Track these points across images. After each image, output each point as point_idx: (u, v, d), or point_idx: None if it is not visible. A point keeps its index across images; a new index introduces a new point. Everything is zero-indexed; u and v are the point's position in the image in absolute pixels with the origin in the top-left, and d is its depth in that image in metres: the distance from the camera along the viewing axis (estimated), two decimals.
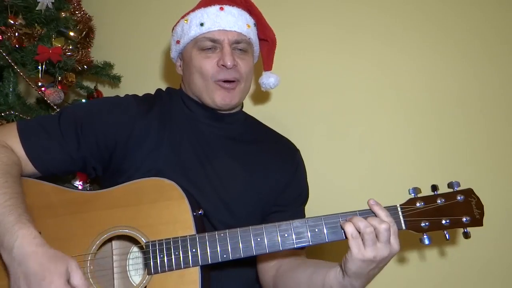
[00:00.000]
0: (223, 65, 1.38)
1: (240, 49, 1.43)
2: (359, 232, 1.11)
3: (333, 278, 1.21)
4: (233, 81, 1.41)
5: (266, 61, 1.56)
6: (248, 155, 1.46)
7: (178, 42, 1.48)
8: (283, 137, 1.60)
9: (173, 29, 1.54)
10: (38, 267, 1.03)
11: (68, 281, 1.04)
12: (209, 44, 1.40)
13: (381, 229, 1.09)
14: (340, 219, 1.16)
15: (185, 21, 1.45)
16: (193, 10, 1.46)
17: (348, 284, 1.17)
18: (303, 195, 1.54)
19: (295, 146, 1.58)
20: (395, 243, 1.12)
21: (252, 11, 1.49)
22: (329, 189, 1.92)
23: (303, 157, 1.57)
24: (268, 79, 1.56)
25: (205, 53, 1.40)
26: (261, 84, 1.59)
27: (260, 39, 1.54)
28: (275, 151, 1.51)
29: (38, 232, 1.08)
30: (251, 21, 1.48)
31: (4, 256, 1.07)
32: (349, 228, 1.11)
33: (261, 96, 2.02)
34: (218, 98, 1.41)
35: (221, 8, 1.42)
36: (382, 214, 1.13)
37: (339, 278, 1.19)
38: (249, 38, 1.46)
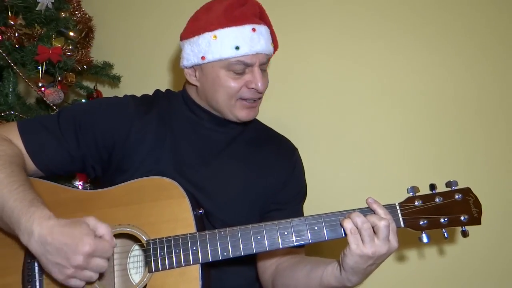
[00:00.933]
0: (254, 88, 1.37)
1: (262, 69, 1.41)
2: (357, 228, 1.12)
3: (330, 273, 1.22)
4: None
5: None
6: (246, 155, 1.47)
7: (203, 58, 1.36)
8: (282, 136, 1.60)
9: (187, 36, 1.42)
10: (65, 237, 1.05)
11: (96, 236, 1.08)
12: (242, 68, 1.36)
13: (381, 225, 1.10)
14: (340, 217, 1.17)
15: (214, 37, 1.34)
16: (221, 26, 1.35)
17: (345, 279, 1.19)
18: (301, 194, 1.54)
19: (293, 145, 1.59)
20: (393, 240, 1.13)
21: (266, 22, 1.44)
22: (328, 188, 1.93)
23: (302, 157, 1.57)
24: None
25: (235, 74, 1.37)
26: None
27: None
28: (273, 150, 1.51)
29: (51, 213, 1.09)
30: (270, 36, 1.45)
31: (24, 240, 1.08)
32: (348, 224, 1.13)
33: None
34: (243, 115, 1.40)
35: (253, 30, 1.36)
36: (381, 211, 1.14)
37: (337, 273, 1.20)
38: (271, 56, 1.45)
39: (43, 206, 1.11)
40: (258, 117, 1.62)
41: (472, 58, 1.91)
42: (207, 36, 1.36)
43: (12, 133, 1.30)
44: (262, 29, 1.38)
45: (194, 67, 1.42)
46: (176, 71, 2.11)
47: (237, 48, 1.33)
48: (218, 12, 1.36)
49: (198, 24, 1.39)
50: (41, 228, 1.06)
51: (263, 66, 1.40)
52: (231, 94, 1.37)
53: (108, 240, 1.09)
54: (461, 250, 1.84)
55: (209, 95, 1.41)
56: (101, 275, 1.12)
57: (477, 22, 1.93)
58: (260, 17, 1.41)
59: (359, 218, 1.12)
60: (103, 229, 1.09)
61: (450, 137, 1.89)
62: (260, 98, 1.44)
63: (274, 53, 1.49)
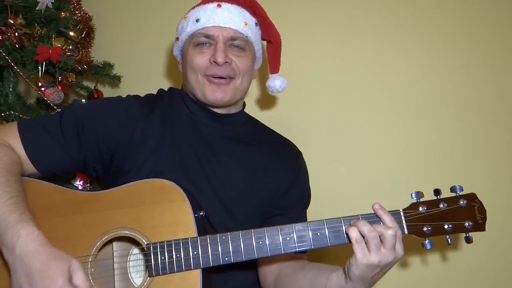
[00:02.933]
0: (214, 62, 1.38)
1: (236, 46, 1.42)
2: (363, 237, 1.10)
3: (336, 283, 1.20)
4: (225, 78, 1.40)
5: (271, 63, 1.54)
6: (249, 157, 1.45)
7: (177, 39, 1.49)
8: (286, 139, 1.59)
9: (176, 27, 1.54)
10: (40, 265, 1.03)
11: (70, 281, 1.04)
12: (203, 39, 1.40)
13: (388, 235, 1.09)
14: (343, 223, 1.16)
15: (184, 18, 1.46)
16: (193, 8, 1.46)
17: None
18: (304, 199, 1.53)
19: (298, 149, 1.57)
20: (399, 248, 1.12)
21: (256, 11, 1.47)
22: (331, 192, 1.92)
23: (305, 160, 1.56)
24: (273, 81, 1.54)
25: (199, 48, 1.40)
26: (268, 88, 1.57)
27: (265, 41, 1.53)
28: (277, 154, 1.50)
29: (40, 231, 1.08)
30: (251, 19, 1.46)
31: (7, 255, 1.06)
32: (353, 233, 1.11)
33: (264, 100, 2.02)
34: (209, 93, 1.40)
35: (219, 5, 1.41)
36: (387, 219, 1.13)
37: (342, 282, 1.18)
38: (247, 36, 1.43)
39: (32, 223, 1.09)
40: (261, 119, 1.61)
41: (474, 60, 1.91)
42: (182, 19, 1.49)
43: (12, 135, 1.28)
44: (232, 7, 1.42)
45: (181, 54, 1.52)
46: (176, 71, 2.09)
47: (197, 20, 1.40)
48: None
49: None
50: (24, 246, 1.04)
51: (236, 42, 1.42)
52: (196, 69, 1.40)
53: None
54: (464, 256, 1.83)
55: (186, 77, 1.46)
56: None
57: (478, 23, 1.92)
58: (239, 1, 1.44)
59: (365, 227, 1.10)
60: (79, 280, 1.05)
61: (454, 140, 1.89)
62: (231, 79, 1.42)
63: (277, 48, 1.51)
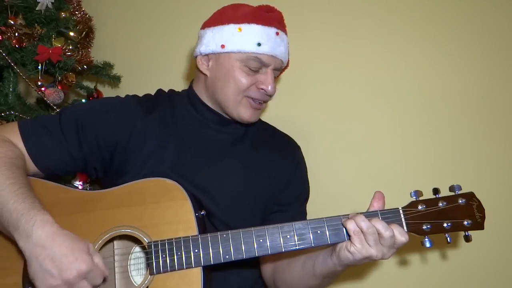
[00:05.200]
0: (263, 89, 1.39)
1: (274, 75, 1.43)
2: (362, 232, 1.13)
3: (322, 262, 1.25)
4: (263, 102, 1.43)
5: None
6: (249, 155, 1.46)
7: (223, 46, 1.39)
8: (284, 134, 1.61)
9: (211, 24, 1.44)
10: (65, 249, 1.04)
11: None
12: (257, 65, 1.38)
13: (386, 235, 1.11)
14: (341, 221, 1.17)
15: (239, 30, 1.38)
16: (247, 21, 1.38)
17: (338, 269, 1.22)
18: (304, 193, 1.54)
19: (296, 143, 1.59)
20: (400, 237, 1.14)
21: (286, 34, 1.47)
22: (331, 191, 1.92)
23: (305, 159, 1.57)
24: None
25: (248, 70, 1.38)
26: None
27: None
28: (276, 150, 1.51)
29: (52, 218, 1.09)
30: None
31: (22, 242, 1.06)
32: (351, 225, 1.13)
33: None
34: (246, 115, 1.41)
35: (277, 33, 1.40)
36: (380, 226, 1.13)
37: (329, 263, 1.23)
38: (284, 66, 1.48)
39: (44, 210, 1.10)
40: (261, 117, 1.61)
41: (473, 59, 1.91)
42: (232, 27, 1.39)
43: (13, 134, 1.29)
44: (284, 37, 1.43)
45: (209, 55, 1.44)
46: (176, 71, 2.10)
47: (259, 44, 1.36)
48: (246, 11, 1.41)
49: (225, 16, 1.42)
50: (42, 232, 1.05)
51: (276, 72, 1.43)
52: (240, 89, 1.38)
53: (102, 270, 1.09)
54: (463, 254, 1.83)
55: (218, 86, 1.41)
56: None
57: (477, 23, 1.92)
58: (284, 28, 1.45)
59: (364, 223, 1.12)
60: (98, 258, 1.09)
61: (453, 139, 1.89)
62: (265, 102, 1.45)
63: (284, 69, 1.52)
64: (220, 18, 1.43)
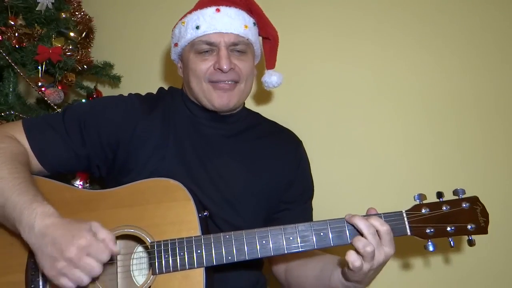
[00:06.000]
0: (219, 69, 1.37)
1: (238, 51, 1.42)
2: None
3: (337, 279, 1.25)
4: (230, 82, 1.41)
5: (268, 59, 1.54)
6: (250, 152, 1.46)
7: (176, 45, 1.47)
8: (285, 129, 1.60)
9: (172, 30, 1.52)
10: (63, 231, 1.04)
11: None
12: (205, 47, 1.39)
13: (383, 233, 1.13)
14: (346, 223, 1.17)
15: (182, 24, 1.43)
16: (190, 12, 1.44)
17: (352, 286, 1.22)
18: (308, 189, 1.55)
19: (297, 138, 1.59)
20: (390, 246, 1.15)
21: (252, 9, 1.46)
22: (333, 194, 1.92)
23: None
24: (270, 77, 1.54)
25: (202, 56, 1.39)
26: (264, 83, 1.57)
27: (262, 37, 1.53)
28: (277, 146, 1.51)
29: (55, 209, 1.09)
30: (250, 20, 1.45)
31: (26, 235, 1.07)
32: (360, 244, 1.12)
33: (263, 97, 2.02)
34: (216, 100, 1.40)
35: (217, 10, 1.39)
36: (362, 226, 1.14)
37: (342, 280, 1.23)
38: (248, 39, 1.43)
39: (46, 202, 1.11)
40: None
41: (474, 61, 1.91)
42: (179, 24, 1.46)
43: (17, 131, 1.30)
44: (230, 10, 1.41)
45: (179, 58, 1.50)
46: (176, 71, 2.09)
47: (197, 27, 1.38)
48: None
49: (179, 17, 1.48)
50: (42, 222, 1.06)
51: (238, 47, 1.41)
52: (199, 76, 1.39)
53: (107, 244, 1.05)
54: (466, 258, 1.83)
55: (187, 83, 1.45)
56: (94, 280, 1.09)
57: (477, 24, 1.93)
58: (234, 2, 1.43)
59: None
60: (104, 234, 1.06)
61: (456, 142, 1.88)
62: (236, 83, 1.42)
63: (274, 45, 1.50)
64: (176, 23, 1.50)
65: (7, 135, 1.27)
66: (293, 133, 1.60)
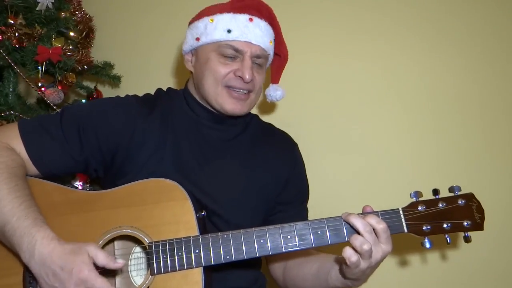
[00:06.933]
0: (240, 77, 1.37)
1: (257, 64, 1.42)
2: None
3: (335, 277, 1.26)
4: (245, 92, 1.41)
5: (275, 75, 1.55)
6: (247, 154, 1.47)
7: (198, 39, 1.42)
8: (281, 132, 1.61)
9: (191, 22, 1.48)
10: (62, 262, 1.07)
11: (95, 265, 1.09)
12: (231, 52, 1.37)
13: (379, 229, 1.13)
14: (343, 221, 1.17)
15: (210, 21, 1.40)
16: (220, 11, 1.41)
17: (350, 283, 1.23)
18: (303, 191, 1.55)
19: (293, 141, 1.59)
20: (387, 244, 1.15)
21: (274, 25, 1.47)
22: (330, 191, 1.93)
23: (305, 157, 1.57)
24: (275, 92, 1.55)
25: (225, 59, 1.38)
26: (267, 96, 1.57)
27: (274, 53, 1.53)
28: (273, 148, 1.51)
29: (54, 233, 1.11)
30: (273, 36, 1.46)
31: (25, 259, 1.10)
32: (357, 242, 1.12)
33: (264, 99, 2.02)
34: (229, 106, 1.40)
35: (251, 19, 1.39)
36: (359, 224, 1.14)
37: (341, 278, 1.24)
38: (269, 54, 1.45)
39: (46, 226, 1.12)
40: (261, 117, 1.61)
41: (475, 60, 1.92)
42: (205, 19, 1.42)
43: (13, 137, 1.29)
44: (262, 23, 1.41)
45: (192, 52, 1.47)
46: (176, 71, 2.10)
47: (229, 31, 1.37)
48: (223, 2, 1.43)
49: (203, 12, 1.45)
50: (42, 249, 1.08)
51: (258, 60, 1.41)
52: (217, 79, 1.38)
53: (106, 282, 1.08)
54: (463, 255, 1.84)
55: (200, 79, 1.43)
56: None
57: (480, 23, 1.93)
58: (266, 16, 1.43)
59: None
60: (102, 260, 1.08)
61: (453, 140, 1.90)
62: (250, 92, 1.42)
63: (283, 64, 1.51)
64: (199, 14, 1.46)
65: (3, 146, 1.26)
66: (289, 135, 1.60)
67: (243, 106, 1.42)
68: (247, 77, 1.36)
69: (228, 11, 1.40)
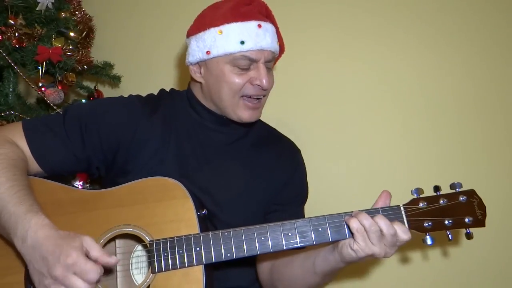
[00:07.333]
0: (258, 85, 1.36)
1: (268, 67, 1.41)
2: (365, 230, 1.13)
3: (321, 259, 1.25)
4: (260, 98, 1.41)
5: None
6: (249, 156, 1.47)
7: (208, 52, 1.37)
8: (285, 137, 1.61)
9: (193, 33, 1.43)
10: (52, 247, 1.03)
11: (87, 256, 1.05)
12: (246, 63, 1.36)
13: (388, 234, 1.12)
14: (344, 218, 1.17)
15: (219, 32, 1.35)
16: (227, 21, 1.36)
17: (340, 266, 1.22)
18: (301, 195, 1.54)
19: (296, 147, 1.59)
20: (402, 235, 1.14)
21: (274, 22, 1.45)
22: (331, 189, 1.93)
23: (305, 157, 1.57)
24: None
25: (240, 70, 1.36)
26: None
27: None
28: (276, 152, 1.51)
29: (49, 220, 1.09)
30: (276, 35, 1.45)
31: (20, 246, 1.08)
32: (354, 224, 1.13)
33: None
34: (246, 116, 1.40)
35: (259, 26, 1.36)
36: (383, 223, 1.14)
37: (331, 260, 1.22)
38: (277, 54, 1.45)
39: (41, 212, 1.10)
40: (261, 118, 1.61)
41: (473, 59, 1.92)
42: (212, 31, 1.37)
43: (17, 134, 1.30)
44: (268, 26, 1.39)
45: (199, 63, 1.43)
46: (177, 71, 2.11)
47: (242, 42, 1.34)
48: (224, 9, 1.38)
49: (204, 21, 1.40)
50: (34, 234, 1.05)
51: (269, 64, 1.41)
52: (235, 90, 1.37)
53: (96, 266, 1.02)
54: (464, 252, 1.84)
55: (213, 92, 1.40)
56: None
57: (477, 22, 1.93)
58: (266, 15, 1.42)
59: (366, 221, 1.12)
60: (96, 252, 1.04)
61: (453, 137, 1.90)
62: (264, 96, 1.43)
63: (280, 55, 1.50)
64: (201, 23, 1.41)
65: (5, 139, 1.26)
66: (292, 141, 1.60)
67: (258, 113, 1.44)
68: (265, 84, 1.36)
69: (236, 20, 1.36)
